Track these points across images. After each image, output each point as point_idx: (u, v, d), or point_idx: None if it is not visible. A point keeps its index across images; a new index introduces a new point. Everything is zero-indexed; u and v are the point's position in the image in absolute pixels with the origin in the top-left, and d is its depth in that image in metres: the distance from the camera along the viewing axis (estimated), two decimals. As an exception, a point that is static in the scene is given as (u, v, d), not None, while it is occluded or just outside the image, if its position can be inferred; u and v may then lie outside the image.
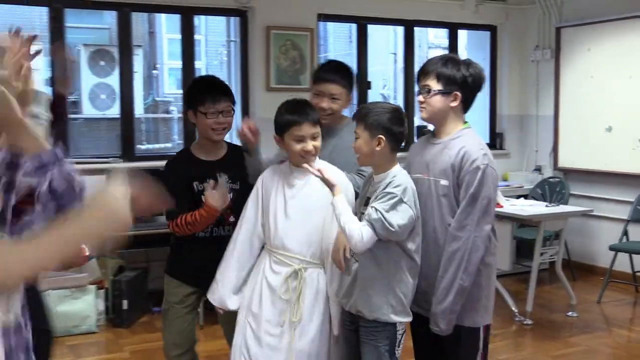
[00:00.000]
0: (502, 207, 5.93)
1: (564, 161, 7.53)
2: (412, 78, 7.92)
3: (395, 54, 11.52)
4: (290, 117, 3.08)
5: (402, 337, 2.86)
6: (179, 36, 6.92)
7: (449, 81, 2.94)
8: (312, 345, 3.03)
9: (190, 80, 3.87)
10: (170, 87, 11.35)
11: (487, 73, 7.95)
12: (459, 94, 2.96)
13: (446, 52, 8.30)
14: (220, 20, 7.87)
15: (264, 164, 3.34)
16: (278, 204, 3.09)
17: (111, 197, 1.55)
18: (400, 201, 2.73)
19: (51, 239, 1.50)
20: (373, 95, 7.77)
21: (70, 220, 1.52)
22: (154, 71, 10.82)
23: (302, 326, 3.01)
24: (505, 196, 6.31)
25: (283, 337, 3.01)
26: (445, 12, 7.75)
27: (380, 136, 2.84)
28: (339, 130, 3.46)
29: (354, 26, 7.71)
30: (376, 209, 2.72)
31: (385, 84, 11.82)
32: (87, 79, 8.29)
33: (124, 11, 6.49)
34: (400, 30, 8.27)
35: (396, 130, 2.88)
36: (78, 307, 5.46)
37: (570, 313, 5.96)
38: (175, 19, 7.08)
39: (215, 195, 3.16)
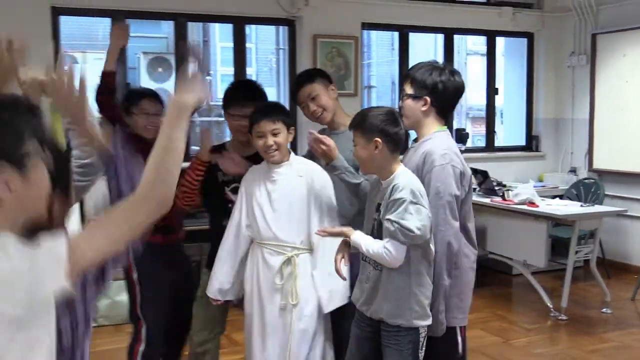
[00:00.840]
0: (537, 206, 5.85)
1: (599, 163, 7.37)
2: (452, 83, 7.83)
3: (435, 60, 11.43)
4: (252, 116, 3.19)
5: (424, 339, 2.76)
6: (231, 44, 6.94)
7: (420, 85, 2.89)
8: (310, 324, 3.10)
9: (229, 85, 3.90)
10: (223, 93, 11.40)
11: (523, 78, 7.98)
12: (428, 98, 2.88)
13: (484, 58, 8.21)
14: (270, 29, 7.90)
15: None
16: (263, 200, 3.16)
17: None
18: (411, 203, 2.62)
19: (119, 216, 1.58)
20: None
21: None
22: (208, 77, 10.89)
23: (300, 308, 3.08)
24: (541, 196, 6.20)
25: (284, 320, 3.10)
26: (484, 20, 7.66)
27: (377, 139, 2.74)
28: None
29: (396, 34, 7.67)
30: (391, 221, 2.63)
31: (426, 89, 11.73)
32: (146, 85, 8.39)
33: (180, 21, 6.54)
34: (440, 37, 8.19)
35: (391, 131, 2.76)
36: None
37: (604, 310, 5.84)
38: (228, 28, 7.09)
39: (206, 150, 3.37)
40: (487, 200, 6.29)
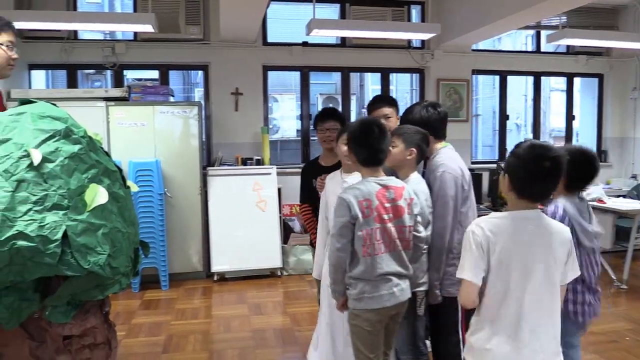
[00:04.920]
0: (605, 203, 5.48)
1: (655, 171, 6.72)
2: (539, 113, 7.45)
3: (525, 95, 10.86)
4: (341, 129, 2.97)
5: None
6: (379, 87, 6.98)
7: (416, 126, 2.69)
8: None
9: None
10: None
11: (594, 108, 7.44)
12: (427, 132, 2.67)
13: (564, 94, 7.72)
14: (406, 76, 7.84)
15: None
16: (334, 201, 2.85)
17: None
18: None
19: None
20: (510, 124, 7.41)
21: None
22: (363, 110, 11.02)
23: None
24: (608, 196, 5.79)
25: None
26: (564, 65, 7.21)
27: (413, 149, 2.59)
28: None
29: (497, 77, 7.38)
30: None
31: (518, 116, 11.16)
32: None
33: (345, 72, 6.67)
34: (530, 79, 7.80)
35: (424, 149, 2.62)
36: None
37: (658, 282, 5.35)
38: (377, 76, 7.13)
39: None
40: (565, 198, 5.93)
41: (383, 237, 2.32)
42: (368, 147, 2.36)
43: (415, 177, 2.64)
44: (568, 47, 7.20)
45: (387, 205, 2.34)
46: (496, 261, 1.88)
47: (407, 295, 2.41)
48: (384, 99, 3.34)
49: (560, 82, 9.66)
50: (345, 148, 2.77)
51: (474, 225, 1.94)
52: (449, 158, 2.68)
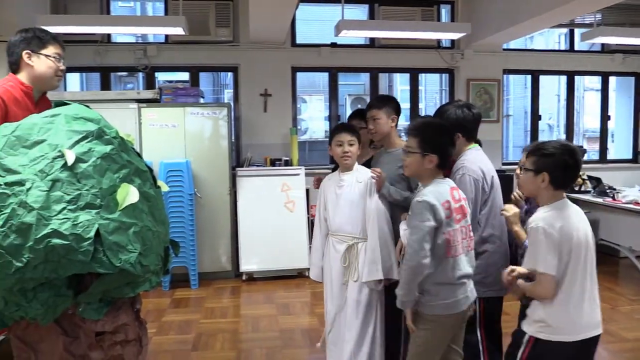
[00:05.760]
0: (642, 205, 5.32)
1: (696, 173, 6.49)
2: (573, 113, 7.30)
3: (558, 95, 10.65)
4: (334, 129, 3.01)
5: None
6: (408, 87, 6.94)
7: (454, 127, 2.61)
8: (363, 295, 2.83)
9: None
10: (402, 121, 11.37)
11: (631, 107, 7.23)
12: (459, 134, 2.67)
13: (598, 93, 7.54)
14: (436, 76, 7.78)
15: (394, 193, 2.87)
16: (333, 201, 2.95)
17: None
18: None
19: None
20: (541, 124, 7.27)
21: None
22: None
23: (359, 283, 2.83)
24: (645, 198, 5.61)
25: (346, 291, 2.88)
26: (599, 63, 7.04)
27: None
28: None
29: (528, 77, 7.25)
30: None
31: (551, 116, 10.93)
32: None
33: (373, 73, 6.65)
34: (563, 78, 7.64)
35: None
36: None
37: (698, 287, 5.16)
38: (406, 76, 7.10)
39: None
40: (600, 200, 5.78)
41: (459, 237, 2.31)
42: (448, 150, 2.38)
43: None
44: (603, 45, 7.03)
45: (457, 205, 2.32)
46: (568, 249, 2.08)
47: (475, 294, 2.43)
48: (377, 99, 3.21)
49: (595, 82, 9.45)
50: (340, 149, 2.88)
51: (540, 222, 2.09)
52: (470, 160, 2.69)
